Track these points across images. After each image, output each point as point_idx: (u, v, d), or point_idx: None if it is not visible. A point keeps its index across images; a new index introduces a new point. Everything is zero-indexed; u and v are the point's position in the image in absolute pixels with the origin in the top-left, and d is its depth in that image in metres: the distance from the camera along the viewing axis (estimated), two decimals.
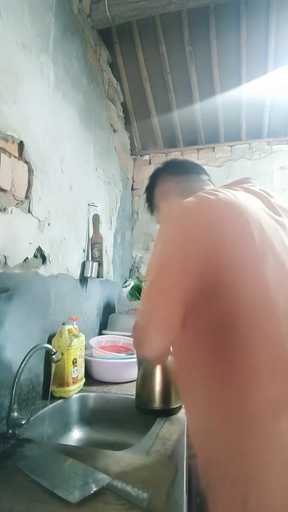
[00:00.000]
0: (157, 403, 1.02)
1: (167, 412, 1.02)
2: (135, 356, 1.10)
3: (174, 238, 0.67)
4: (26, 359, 0.90)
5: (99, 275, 1.64)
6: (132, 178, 2.58)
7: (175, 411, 1.04)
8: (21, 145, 1.09)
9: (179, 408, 1.05)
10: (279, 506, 0.54)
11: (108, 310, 1.91)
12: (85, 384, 1.28)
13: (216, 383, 0.64)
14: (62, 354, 1.14)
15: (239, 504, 0.56)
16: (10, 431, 0.84)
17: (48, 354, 1.08)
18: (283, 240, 0.67)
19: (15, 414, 0.85)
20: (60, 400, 1.16)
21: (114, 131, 2.13)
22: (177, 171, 0.94)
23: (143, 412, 1.04)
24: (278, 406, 0.58)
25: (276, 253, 0.64)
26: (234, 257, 0.62)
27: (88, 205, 1.67)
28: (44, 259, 1.22)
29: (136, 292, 1.95)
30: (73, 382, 1.18)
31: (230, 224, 0.64)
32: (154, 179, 0.97)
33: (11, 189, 1.03)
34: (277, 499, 0.54)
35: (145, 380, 1.05)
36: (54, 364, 1.12)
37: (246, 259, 0.62)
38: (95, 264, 1.61)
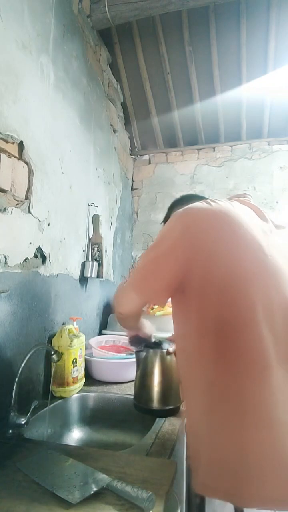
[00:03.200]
0: (156, 403, 1.02)
1: (166, 412, 1.02)
2: (135, 356, 1.10)
3: (176, 228, 0.81)
4: (26, 358, 0.90)
5: (99, 275, 1.64)
6: (132, 178, 2.58)
7: (174, 411, 1.04)
8: (21, 145, 1.09)
9: (179, 408, 1.05)
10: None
11: (108, 310, 1.91)
12: (85, 384, 1.28)
13: (216, 372, 0.72)
14: (62, 354, 1.14)
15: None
16: (10, 431, 0.84)
17: (48, 354, 1.08)
18: (263, 237, 0.80)
19: (15, 414, 0.85)
20: (60, 400, 1.16)
21: (114, 131, 2.13)
22: (191, 198, 1.04)
23: (142, 412, 1.04)
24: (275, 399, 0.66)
25: (255, 243, 0.77)
26: (220, 244, 0.77)
27: (88, 205, 1.67)
28: (44, 259, 1.22)
29: None
30: (73, 382, 1.18)
31: (221, 221, 0.79)
32: (171, 206, 1.10)
33: (11, 190, 1.03)
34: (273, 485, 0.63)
35: (144, 380, 1.05)
36: (54, 364, 1.12)
37: (228, 245, 0.77)
38: (95, 264, 1.61)
